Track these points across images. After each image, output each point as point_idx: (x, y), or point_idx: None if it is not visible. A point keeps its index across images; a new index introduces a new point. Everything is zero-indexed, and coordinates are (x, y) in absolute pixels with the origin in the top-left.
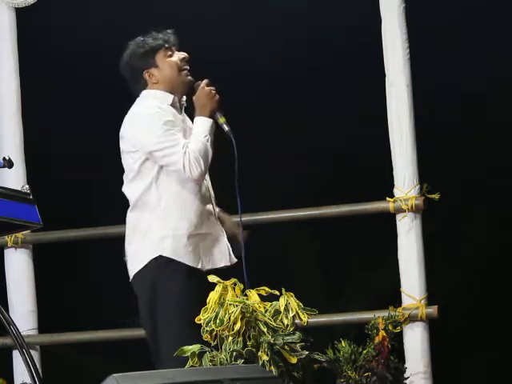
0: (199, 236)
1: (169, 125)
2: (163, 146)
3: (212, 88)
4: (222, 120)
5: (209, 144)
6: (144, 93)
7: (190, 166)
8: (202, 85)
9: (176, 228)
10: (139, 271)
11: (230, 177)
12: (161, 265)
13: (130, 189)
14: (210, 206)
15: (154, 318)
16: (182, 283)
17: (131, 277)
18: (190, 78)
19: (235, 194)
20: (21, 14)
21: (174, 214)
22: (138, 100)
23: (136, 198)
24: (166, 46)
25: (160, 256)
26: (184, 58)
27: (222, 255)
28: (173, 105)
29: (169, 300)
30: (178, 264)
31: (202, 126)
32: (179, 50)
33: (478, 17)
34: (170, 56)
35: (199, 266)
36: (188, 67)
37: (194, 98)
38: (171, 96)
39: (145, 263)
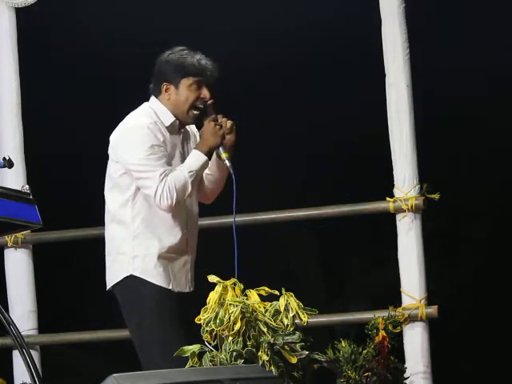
0: (169, 258)
1: (155, 149)
2: (142, 168)
3: (218, 123)
4: (224, 156)
5: (190, 180)
6: (153, 104)
7: (161, 194)
8: (209, 118)
9: (147, 247)
10: (114, 285)
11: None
12: (132, 284)
13: (109, 197)
14: (184, 231)
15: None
16: (153, 302)
17: (108, 286)
18: (195, 117)
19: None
20: (21, 14)
21: (147, 234)
22: (142, 108)
23: (114, 211)
24: (199, 79)
25: (131, 275)
26: (204, 99)
27: (187, 282)
28: (171, 126)
29: (143, 314)
30: (149, 284)
31: (193, 159)
32: (208, 88)
33: (478, 17)
34: (195, 89)
35: (170, 287)
36: (201, 109)
37: (200, 131)
38: (173, 119)
39: (118, 280)
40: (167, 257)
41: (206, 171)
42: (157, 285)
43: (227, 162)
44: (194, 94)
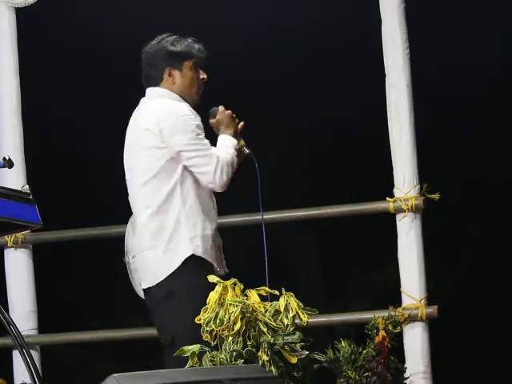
0: (214, 240)
1: (201, 129)
2: (196, 147)
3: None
4: (241, 143)
5: (235, 158)
6: (163, 91)
7: (220, 172)
8: (221, 109)
9: (203, 228)
10: (169, 276)
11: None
12: (192, 265)
13: (148, 190)
14: (216, 215)
15: (172, 322)
16: (204, 284)
17: (153, 284)
18: (198, 98)
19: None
20: (21, 14)
21: (199, 215)
22: (156, 94)
23: (160, 201)
24: (196, 60)
25: (192, 256)
26: (204, 80)
27: (224, 265)
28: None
29: (191, 301)
30: (208, 264)
31: (229, 141)
32: (202, 69)
33: (478, 16)
34: (195, 71)
35: (219, 269)
36: (201, 89)
37: (213, 121)
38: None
39: (175, 267)
40: (214, 239)
41: None
42: (212, 265)
43: (246, 149)
44: (195, 74)
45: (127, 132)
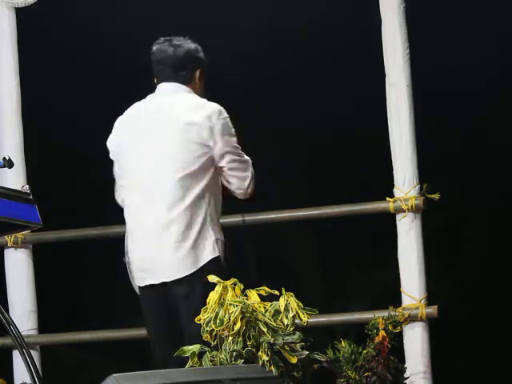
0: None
1: None
2: (239, 152)
3: None
4: None
5: None
6: (191, 90)
7: (253, 181)
8: None
9: (220, 233)
10: (193, 273)
11: None
12: (218, 265)
13: (185, 184)
14: None
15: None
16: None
17: (175, 278)
18: None
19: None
20: (21, 14)
21: (218, 218)
22: (186, 90)
23: (195, 197)
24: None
25: (218, 257)
26: None
27: None
28: None
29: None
30: (225, 270)
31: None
32: None
33: (478, 16)
34: (204, 79)
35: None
36: None
37: None
38: None
39: (201, 265)
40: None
41: None
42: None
43: None
44: (204, 82)
45: (146, 123)
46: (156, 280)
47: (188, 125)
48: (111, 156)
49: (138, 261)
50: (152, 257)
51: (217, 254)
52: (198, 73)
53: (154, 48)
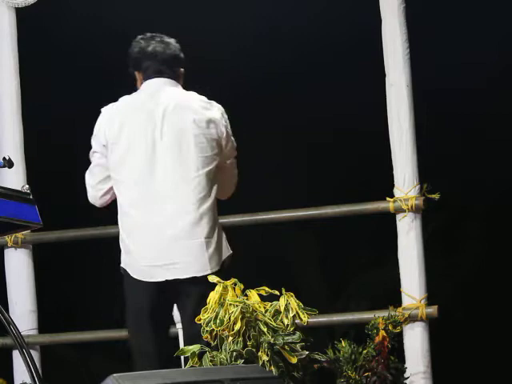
0: None
1: None
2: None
3: None
4: None
5: None
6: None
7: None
8: None
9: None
10: (217, 271)
11: None
12: (225, 265)
13: (210, 179)
14: None
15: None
16: None
17: (203, 273)
18: None
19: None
20: (21, 13)
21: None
22: (188, 91)
23: (215, 193)
24: None
25: (231, 254)
26: None
27: None
28: None
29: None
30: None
31: None
32: None
33: (478, 16)
34: None
35: None
36: None
37: None
38: None
39: (220, 263)
40: None
41: None
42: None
43: None
44: None
45: (156, 117)
46: (181, 275)
47: (209, 122)
48: (99, 146)
49: (149, 258)
50: (179, 252)
51: (231, 252)
52: (182, 71)
53: (142, 42)
